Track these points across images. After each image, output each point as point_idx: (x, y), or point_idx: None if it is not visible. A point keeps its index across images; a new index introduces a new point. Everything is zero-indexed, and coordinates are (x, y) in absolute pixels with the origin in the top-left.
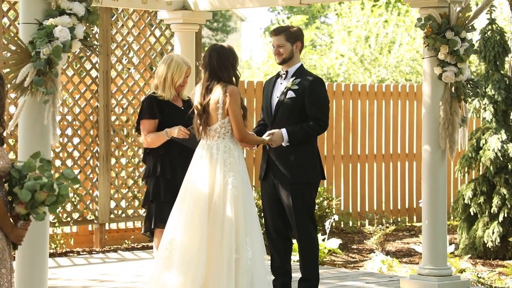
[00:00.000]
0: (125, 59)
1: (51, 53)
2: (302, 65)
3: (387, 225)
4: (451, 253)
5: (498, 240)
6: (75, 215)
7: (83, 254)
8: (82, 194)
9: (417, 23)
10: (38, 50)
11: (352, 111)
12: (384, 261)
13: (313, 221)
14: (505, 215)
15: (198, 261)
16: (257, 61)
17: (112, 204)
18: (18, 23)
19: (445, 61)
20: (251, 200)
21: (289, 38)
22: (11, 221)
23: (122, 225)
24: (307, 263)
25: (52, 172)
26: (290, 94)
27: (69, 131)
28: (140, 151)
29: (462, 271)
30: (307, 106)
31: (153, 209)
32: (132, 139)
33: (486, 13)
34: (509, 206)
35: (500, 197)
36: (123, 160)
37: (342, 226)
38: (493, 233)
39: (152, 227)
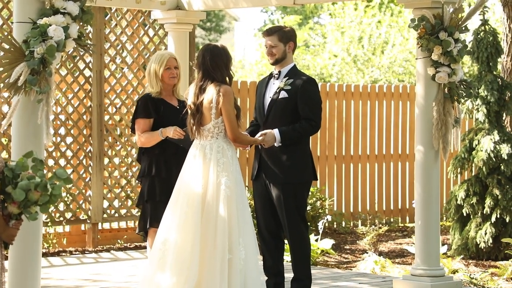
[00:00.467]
0: (119, 59)
1: (45, 52)
2: (295, 65)
3: (380, 225)
4: (443, 253)
5: (491, 241)
6: (68, 215)
7: (75, 254)
8: (75, 194)
9: (411, 23)
10: (32, 49)
11: (345, 112)
12: (377, 261)
13: (305, 221)
14: (498, 216)
15: (191, 261)
16: (250, 61)
17: (105, 203)
18: (12, 22)
19: (438, 61)
20: (245, 200)
21: (282, 39)
22: (3, 220)
23: (115, 225)
24: (298, 263)
25: (45, 171)
26: (283, 94)
27: (62, 131)
28: (133, 151)
29: (454, 271)
30: (299, 106)
31: (148, 208)
32: (125, 138)
33: (479, 14)
34: (501, 207)
35: (492, 198)
36: (116, 160)
37: (335, 226)
38: (485, 233)
39: (148, 226)
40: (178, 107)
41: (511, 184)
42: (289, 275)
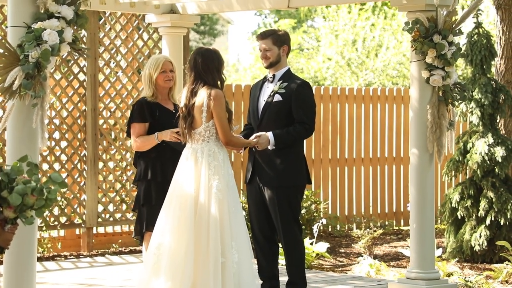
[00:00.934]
0: (113, 63)
1: (39, 57)
2: (289, 68)
3: (375, 228)
4: (438, 256)
5: (486, 243)
6: (63, 219)
7: (70, 258)
8: (70, 198)
9: (405, 26)
10: (26, 54)
11: (340, 115)
12: (372, 265)
13: (299, 224)
14: (492, 219)
15: (185, 265)
16: (244, 65)
17: (100, 208)
18: (6, 27)
19: (432, 64)
20: (237, 203)
21: (276, 42)
22: None
23: (109, 229)
24: (293, 266)
25: (40, 176)
26: (277, 97)
27: (56, 135)
28: (128, 155)
29: (449, 274)
30: (293, 109)
31: (144, 212)
32: (120, 142)
33: (473, 17)
34: (496, 209)
35: (487, 200)
36: (111, 164)
37: (330, 229)
38: (480, 236)
39: (144, 230)
40: (173, 111)
41: (506, 187)
42: (284, 279)
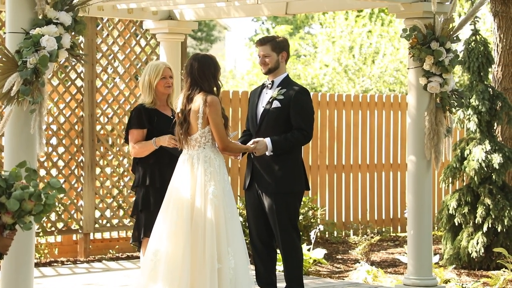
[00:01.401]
0: (111, 69)
1: (37, 63)
2: (288, 75)
3: (372, 235)
4: (435, 263)
5: (483, 250)
6: (60, 225)
7: (67, 264)
8: (67, 204)
9: (403, 33)
10: (24, 60)
11: (337, 121)
12: (369, 271)
13: (297, 231)
14: (489, 226)
15: (182, 271)
16: (241, 71)
17: (97, 213)
18: (4, 33)
19: (430, 71)
20: (233, 209)
21: (275, 48)
22: None
23: (106, 235)
24: (291, 273)
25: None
26: (276, 104)
27: (54, 141)
28: (125, 161)
29: (447, 281)
30: (292, 116)
31: (142, 218)
32: (117, 148)
33: (470, 24)
34: (493, 216)
35: (484, 207)
36: (108, 170)
37: (327, 236)
38: (477, 243)
39: (141, 236)
40: (171, 117)
41: (503, 194)
42: (281, 285)
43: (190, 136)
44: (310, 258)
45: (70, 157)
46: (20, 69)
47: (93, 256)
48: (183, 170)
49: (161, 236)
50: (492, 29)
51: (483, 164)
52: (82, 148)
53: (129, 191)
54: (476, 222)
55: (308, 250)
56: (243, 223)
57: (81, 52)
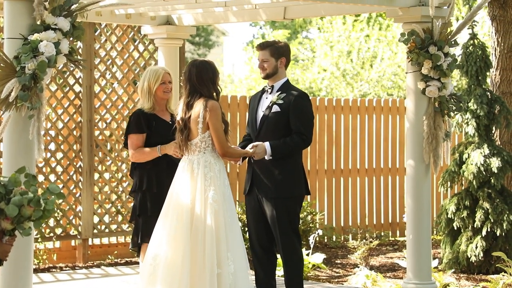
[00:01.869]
0: (109, 74)
1: (36, 68)
2: (287, 80)
3: (371, 239)
4: (434, 267)
5: (482, 254)
6: (58, 230)
7: (66, 270)
8: (65, 209)
9: (401, 38)
10: (23, 65)
11: (335, 126)
12: (369, 276)
13: (297, 235)
14: (488, 230)
15: (182, 276)
16: (239, 76)
17: (96, 219)
18: (3, 38)
19: (428, 76)
20: (233, 214)
21: (274, 54)
22: None
23: (105, 240)
24: (291, 277)
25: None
26: (275, 108)
27: (52, 146)
28: (124, 166)
29: (446, 285)
30: (291, 120)
31: (140, 223)
32: (116, 154)
33: (468, 28)
34: (492, 220)
35: (483, 211)
36: (107, 175)
37: (326, 240)
38: (476, 247)
39: (140, 242)
40: (170, 122)
41: (501, 198)
42: None
43: (190, 141)
44: (309, 263)
45: (68, 162)
46: (18, 75)
47: (92, 262)
48: (183, 175)
49: (161, 241)
50: (490, 33)
51: (482, 168)
52: (80, 153)
53: (127, 197)
54: (475, 226)
55: (307, 254)
56: (242, 228)
57: (79, 57)
